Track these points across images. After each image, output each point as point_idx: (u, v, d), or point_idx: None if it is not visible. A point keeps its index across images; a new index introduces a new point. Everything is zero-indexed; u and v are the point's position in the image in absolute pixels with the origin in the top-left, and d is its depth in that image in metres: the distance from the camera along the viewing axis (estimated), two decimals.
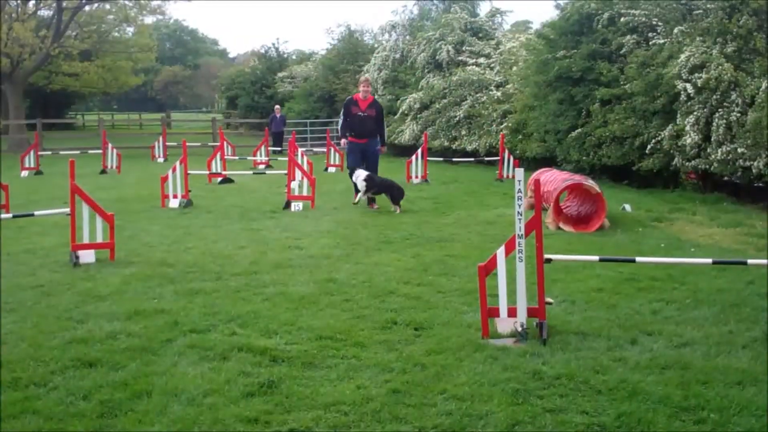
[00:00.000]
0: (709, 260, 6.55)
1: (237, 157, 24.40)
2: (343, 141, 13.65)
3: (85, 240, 8.71)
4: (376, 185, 13.25)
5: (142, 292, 7.22)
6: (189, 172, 14.16)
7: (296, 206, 13.40)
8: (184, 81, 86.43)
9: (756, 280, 7.55)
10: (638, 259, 6.95)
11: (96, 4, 36.95)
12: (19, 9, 34.93)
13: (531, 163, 19.62)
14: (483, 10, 33.56)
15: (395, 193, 13.23)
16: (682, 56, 14.28)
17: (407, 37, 31.51)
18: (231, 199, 14.86)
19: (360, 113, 13.24)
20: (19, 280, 7.78)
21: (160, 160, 26.71)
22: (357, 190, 13.37)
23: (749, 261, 6.49)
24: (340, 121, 13.71)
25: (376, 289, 7.29)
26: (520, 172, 5.70)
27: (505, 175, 18.92)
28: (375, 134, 13.48)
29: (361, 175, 13.14)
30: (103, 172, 22.20)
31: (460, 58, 26.73)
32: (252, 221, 12.01)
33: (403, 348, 5.54)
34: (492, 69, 25.57)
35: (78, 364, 5.18)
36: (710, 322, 6.15)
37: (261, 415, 4.34)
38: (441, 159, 23.33)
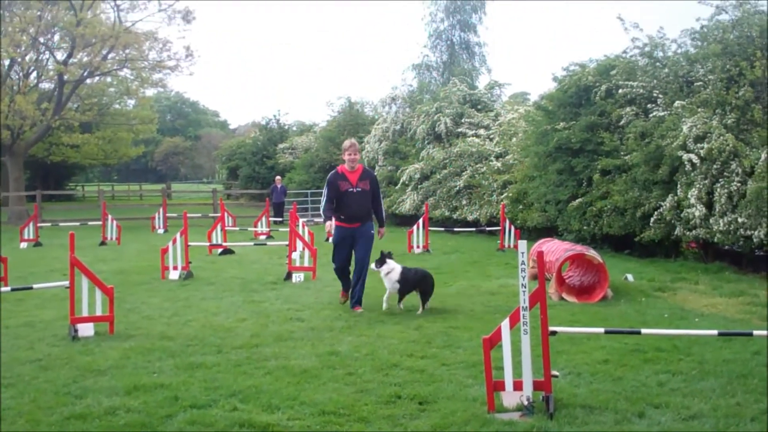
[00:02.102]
0: (715, 332, 6.48)
1: (238, 228, 24.42)
2: (328, 224, 10.19)
3: (84, 313, 8.63)
4: (410, 282, 10.34)
5: (142, 366, 7.13)
6: (189, 243, 14.16)
7: (297, 277, 13.35)
8: (184, 152, 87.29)
9: (762, 350, 7.47)
10: (644, 330, 6.86)
11: (97, 77, 37.50)
12: (21, 82, 35.40)
13: (532, 233, 19.65)
14: (482, 82, 34.12)
15: (427, 287, 10.40)
16: (685, 127, 14.43)
17: (407, 109, 31.94)
18: (232, 271, 14.80)
19: (351, 189, 10.30)
20: (17, 354, 7.69)
21: (161, 231, 26.73)
22: (349, 289, 10.72)
23: (755, 332, 6.42)
24: (323, 202, 10.51)
25: (380, 362, 7.20)
26: (523, 245, 5.68)
27: (506, 245, 18.91)
28: (369, 214, 10.57)
29: (394, 271, 10.29)
30: (103, 243, 22.17)
31: (459, 129, 27.05)
32: (253, 293, 11.95)
33: (407, 423, 5.44)
34: (491, 140, 25.85)
35: None
36: (717, 393, 6.06)
37: None
38: (442, 229, 23.38)
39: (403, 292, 10.28)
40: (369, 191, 10.43)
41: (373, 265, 10.34)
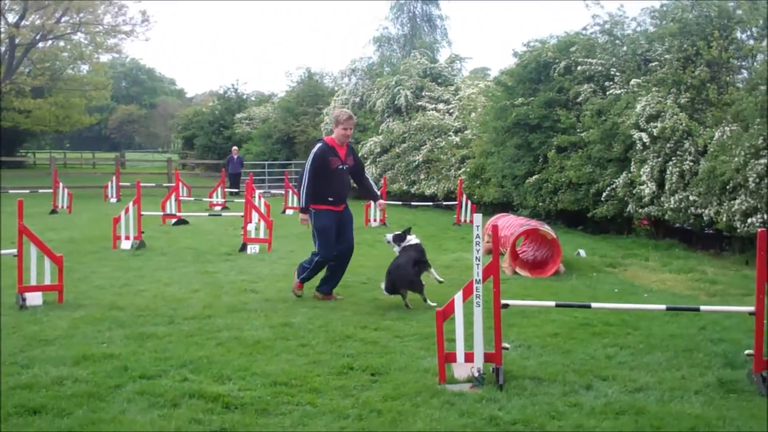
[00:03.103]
0: (663, 306, 6.60)
1: (192, 198, 24.17)
2: (304, 218, 9.02)
3: (33, 282, 8.47)
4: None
5: (91, 336, 7.03)
6: (142, 213, 13.97)
7: (252, 249, 13.27)
8: (139, 120, 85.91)
9: (708, 325, 7.63)
10: (594, 304, 6.97)
11: (50, 41, 36.64)
12: None
13: (488, 208, 19.78)
14: (443, 56, 34.02)
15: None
16: (638, 106, 14.60)
17: (367, 81, 31.78)
18: (185, 241, 14.66)
19: (341, 166, 8.87)
20: None
21: (113, 200, 26.35)
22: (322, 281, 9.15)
23: (702, 307, 6.56)
24: (305, 180, 8.77)
25: (333, 334, 7.20)
26: (478, 218, 5.70)
27: (462, 220, 19.00)
28: (348, 195, 9.24)
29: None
30: (54, 211, 21.78)
31: (419, 103, 27.03)
32: (207, 264, 11.84)
33: (359, 394, 5.45)
34: (451, 114, 25.89)
35: (22, 411, 4.99)
36: (663, 367, 6.17)
37: None
38: (400, 203, 23.40)
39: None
40: (353, 168, 9.10)
41: (388, 237, 9.23)
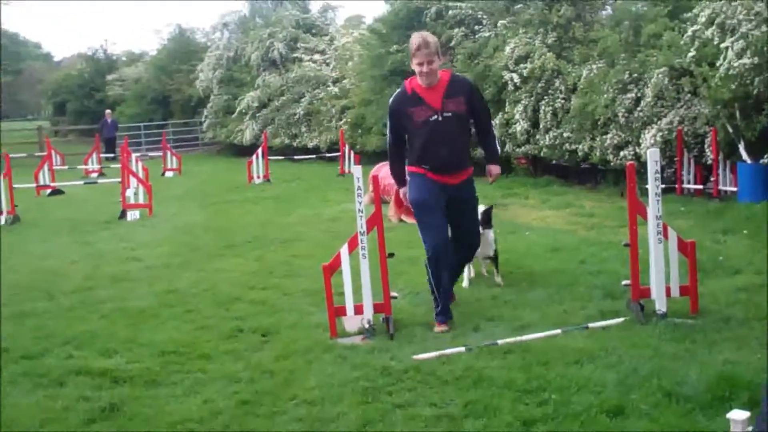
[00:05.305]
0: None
1: (66, 167, 23.19)
2: (402, 191, 6.23)
3: None
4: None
5: None
6: (14, 185, 13.34)
7: (133, 215, 12.90)
8: (5, 88, 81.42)
9: (587, 258, 7.94)
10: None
11: None
12: None
13: (372, 157, 19.80)
14: (315, 6, 33.50)
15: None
16: (507, 48, 14.89)
17: (240, 35, 31.08)
18: (61, 212, 14.12)
19: (433, 117, 5.81)
20: None
21: None
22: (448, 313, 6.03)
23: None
24: (388, 146, 6.20)
25: (220, 297, 7.12)
26: (357, 170, 5.71)
27: (346, 170, 19.02)
28: (468, 158, 6.38)
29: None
30: None
31: (294, 55, 26.67)
32: (85, 234, 11.45)
33: (250, 356, 5.42)
34: (328, 65, 25.71)
35: None
36: (546, 303, 6.36)
37: None
38: (282, 157, 23.17)
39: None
40: (465, 114, 6.01)
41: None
